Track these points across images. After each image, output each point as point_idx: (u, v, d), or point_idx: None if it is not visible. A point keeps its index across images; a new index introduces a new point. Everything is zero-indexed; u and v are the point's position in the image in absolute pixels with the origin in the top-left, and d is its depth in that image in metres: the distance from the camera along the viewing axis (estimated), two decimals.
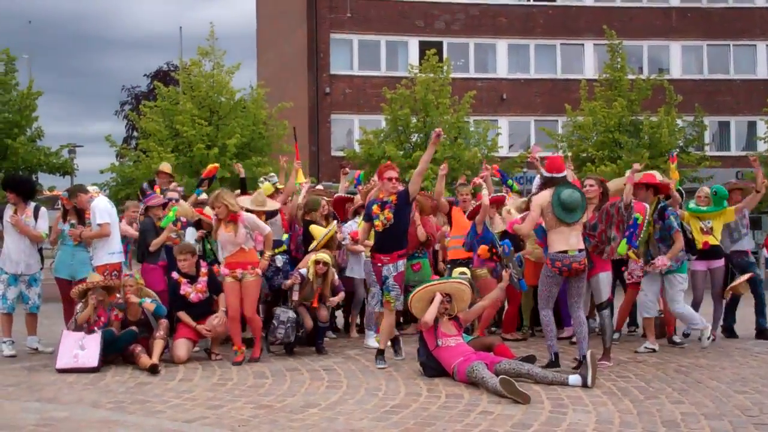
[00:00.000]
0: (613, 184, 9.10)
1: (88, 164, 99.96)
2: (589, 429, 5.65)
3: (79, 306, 8.59)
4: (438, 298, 7.62)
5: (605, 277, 7.97)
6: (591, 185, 8.23)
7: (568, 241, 7.46)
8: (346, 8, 31.82)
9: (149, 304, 8.56)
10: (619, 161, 23.08)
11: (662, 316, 9.48)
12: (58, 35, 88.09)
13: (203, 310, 8.72)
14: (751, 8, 33.79)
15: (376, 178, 8.81)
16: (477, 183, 9.91)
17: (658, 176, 9.09)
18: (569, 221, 7.42)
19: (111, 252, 9.11)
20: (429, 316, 7.54)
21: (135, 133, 40.53)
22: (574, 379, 6.94)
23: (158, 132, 22.01)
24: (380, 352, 8.11)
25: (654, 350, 8.76)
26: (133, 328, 8.48)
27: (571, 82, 30.10)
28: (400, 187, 8.17)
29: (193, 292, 8.63)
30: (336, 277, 9.18)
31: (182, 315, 8.65)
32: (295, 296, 8.92)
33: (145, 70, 62.65)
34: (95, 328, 8.34)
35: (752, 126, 31.68)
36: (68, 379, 7.61)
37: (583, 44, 33.18)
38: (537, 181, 11.48)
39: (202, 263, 8.86)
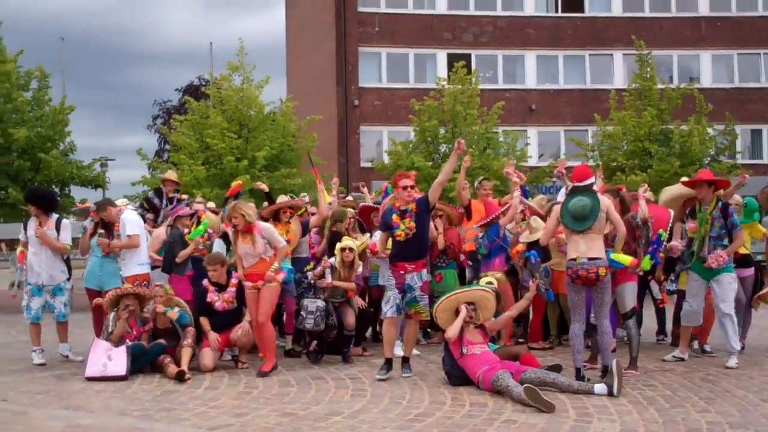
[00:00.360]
0: (667, 194, 9.18)
1: (120, 176, 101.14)
2: None
3: (111, 316, 8.69)
4: (463, 312, 7.65)
5: (630, 287, 7.96)
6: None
7: (578, 248, 7.39)
8: (374, 22, 32.05)
9: (173, 312, 8.66)
10: (649, 170, 22.92)
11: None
12: (90, 50, 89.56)
13: (229, 320, 8.77)
14: None
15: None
16: (507, 173, 9.76)
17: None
18: (578, 229, 7.36)
19: (140, 263, 9.28)
20: (453, 331, 7.56)
21: (167, 146, 41.11)
22: (600, 388, 6.89)
23: (189, 145, 22.27)
24: (405, 360, 8.12)
25: (682, 359, 8.66)
26: (161, 341, 8.58)
27: (600, 92, 30.00)
28: (417, 195, 8.14)
29: (219, 300, 8.70)
30: (360, 269, 9.41)
31: (203, 320, 8.73)
32: (328, 278, 9.14)
33: (176, 84, 63.63)
34: (126, 340, 8.45)
35: None
36: (96, 387, 7.71)
37: (612, 54, 33.09)
38: (563, 192, 11.53)
39: (234, 274, 8.92)
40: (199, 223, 9.79)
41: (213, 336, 8.64)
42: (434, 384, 7.62)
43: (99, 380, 7.99)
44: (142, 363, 8.40)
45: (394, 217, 7.96)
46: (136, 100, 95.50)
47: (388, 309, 7.96)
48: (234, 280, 8.79)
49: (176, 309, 8.75)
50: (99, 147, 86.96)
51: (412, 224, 7.87)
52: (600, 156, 24.96)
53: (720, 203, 8.54)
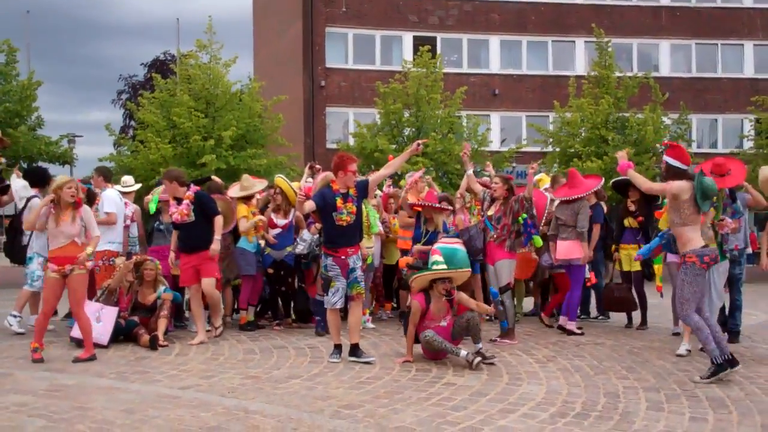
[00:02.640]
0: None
1: (86, 152, 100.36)
2: (538, 398, 6.38)
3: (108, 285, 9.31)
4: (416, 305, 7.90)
5: (507, 264, 8.95)
6: (497, 183, 9.14)
7: (705, 234, 7.59)
8: (341, 3, 32.40)
9: (167, 294, 9.23)
10: (605, 157, 23.76)
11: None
12: (55, 22, 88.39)
13: (196, 239, 9.07)
14: (739, 8, 34.45)
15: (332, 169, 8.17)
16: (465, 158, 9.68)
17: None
18: (705, 210, 7.30)
19: (111, 241, 9.83)
20: (414, 300, 7.96)
21: (132, 122, 41.18)
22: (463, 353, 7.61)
23: (156, 123, 22.60)
24: (355, 347, 7.94)
25: (689, 351, 8.40)
26: (135, 318, 9.18)
27: (561, 79, 30.67)
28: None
29: (175, 212, 9.12)
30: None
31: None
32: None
33: (142, 58, 63.38)
34: (118, 309, 9.07)
35: (738, 124, 32.39)
36: (75, 354, 8.28)
37: (574, 41, 33.75)
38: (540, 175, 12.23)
39: (192, 187, 9.22)
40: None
41: (172, 256, 9.30)
42: (386, 353, 8.35)
43: (80, 347, 8.52)
44: (118, 335, 8.99)
45: (338, 200, 7.77)
46: (101, 74, 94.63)
47: (337, 300, 7.85)
48: (189, 193, 8.99)
49: (165, 289, 9.31)
50: (63, 122, 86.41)
51: (354, 208, 7.82)
52: (558, 142, 25.82)
53: (728, 190, 8.73)
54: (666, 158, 7.38)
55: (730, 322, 9.39)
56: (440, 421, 5.69)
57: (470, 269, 8.37)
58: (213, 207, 9.11)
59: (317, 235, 9.64)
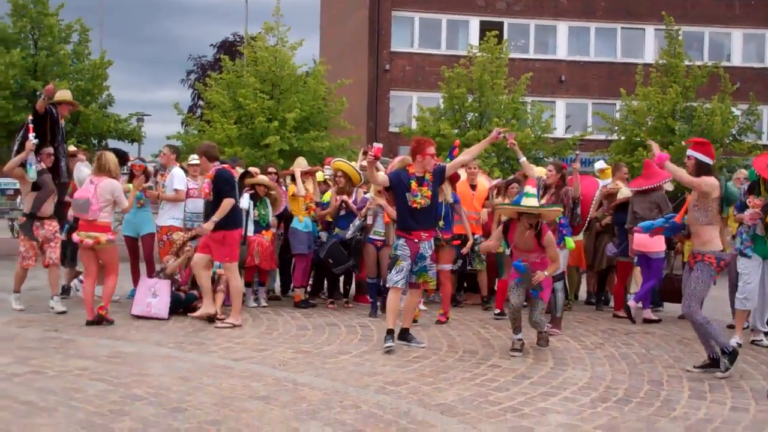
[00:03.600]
0: None
1: (154, 131, 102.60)
2: (581, 383, 6.47)
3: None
4: (495, 236, 8.04)
5: (560, 252, 8.58)
6: (550, 170, 9.10)
7: (723, 237, 7.73)
8: None
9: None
10: (671, 147, 23.37)
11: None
12: (126, 2, 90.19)
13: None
14: None
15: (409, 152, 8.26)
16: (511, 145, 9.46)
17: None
18: (724, 214, 7.45)
19: (175, 217, 10.19)
20: (490, 243, 8.12)
21: (200, 102, 42.00)
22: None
23: (222, 104, 23.03)
24: (405, 331, 7.97)
25: (740, 345, 8.20)
26: (194, 292, 9.53)
27: (629, 66, 30.16)
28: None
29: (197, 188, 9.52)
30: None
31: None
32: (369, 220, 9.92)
33: (211, 39, 64.39)
34: (177, 279, 9.51)
35: None
36: (136, 323, 8.69)
37: (644, 29, 33.20)
38: (601, 164, 12.25)
39: (216, 165, 9.18)
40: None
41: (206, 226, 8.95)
42: (434, 335, 8.51)
43: (142, 318, 8.94)
44: (178, 307, 9.35)
45: (413, 183, 7.70)
46: (171, 54, 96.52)
47: (400, 279, 7.69)
48: (211, 172, 8.95)
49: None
50: (133, 100, 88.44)
51: (429, 193, 7.74)
52: (623, 131, 25.49)
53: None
54: (694, 153, 7.15)
55: None
56: (481, 400, 5.83)
57: (561, 209, 8.24)
58: (226, 189, 8.85)
59: (363, 219, 9.86)
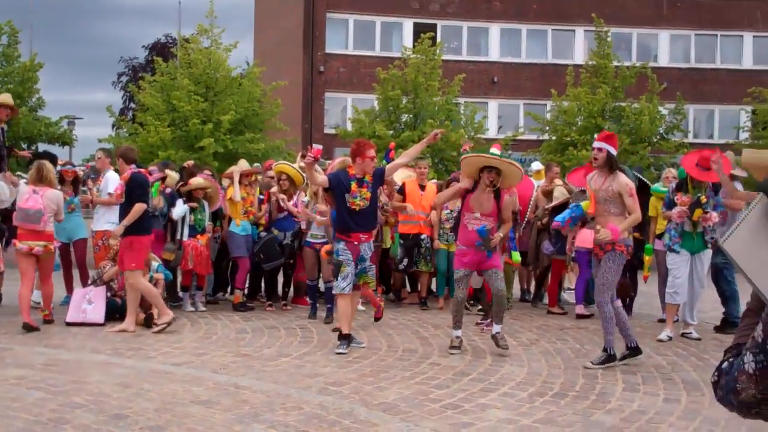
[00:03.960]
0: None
1: (84, 134, 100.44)
2: (518, 378, 6.63)
3: (107, 265, 9.49)
4: (458, 185, 7.95)
5: None
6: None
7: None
8: None
9: (159, 274, 9.45)
10: None
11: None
12: (56, 2, 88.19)
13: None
14: (739, 0, 34.53)
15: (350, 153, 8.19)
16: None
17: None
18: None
19: (110, 222, 10.03)
20: (441, 197, 8.50)
21: (132, 105, 41.34)
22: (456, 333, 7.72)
23: (156, 106, 22.77)
24: (344, 337, 7.72)
25: (670, 338, 8.61)
26: None
27: (560, 68, 30.68)
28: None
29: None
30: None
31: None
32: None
33: (143, 40, 63.15)
34: (111, 285, 9.36)
35: (736, 115, 32.55)
36: (72, 331, 8.56)
37: (574, 30, 33.82)
38: (537, 165, 12.50)
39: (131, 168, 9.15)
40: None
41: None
42: (374, 335, 8.57)
43: (78, 325, 8.79)
44: (114, 313, 9.23)
45: (353, 185, 7.62)
46: (101, 56, 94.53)
47: (345, 285, 7.59)
48: (126, 174, 8.83)
49: (158, 267, 9.53)
50: (62, 102, 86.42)
51: (369, 194, 7.66)
52: (554, 131, 26.01)
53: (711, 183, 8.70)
54: (605, 146, 7.21)
55: (727, 312, 9.40)
56: (422, 398, 5.93)
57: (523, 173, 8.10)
58: (138, 193, 8.70)
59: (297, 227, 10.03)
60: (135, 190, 8.71)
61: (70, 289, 9.90)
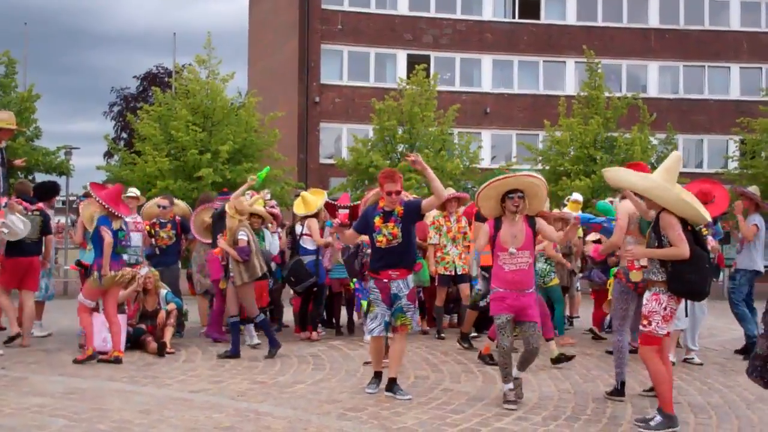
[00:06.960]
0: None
1: (77, 163, 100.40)
2: (531, 403, 6.79)
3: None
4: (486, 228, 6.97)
5: None
6: None
7: None
8: (337, 20, 32.89)
9: (172, 305, 9.67)
10: (593, 176, 24.26)
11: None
12: (45, 31, 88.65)
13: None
14: (726, 31, 35.08)
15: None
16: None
17: None
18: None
19: None
20: (481, 241, 7.08)
21: (123, 135, 41.50)
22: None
23: (153, 136, 22.92)
24: (392, 381, 7.11)
25: (673, 363, 8.44)
26: (142, 326, 9.54)
27: (552, 98, 31.13)
28: (405, 197, 7.65)
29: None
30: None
31: None
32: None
33: (134, 70, 63.71)
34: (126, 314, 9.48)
35: (724, 144, 32.99)
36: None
37: (564, 62, 34.29)
38: (578, 196, 12.65)
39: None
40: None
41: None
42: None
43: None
44: (126, 342, 9.32)
45: (377, 220, 7.13)
46: (92, 85, 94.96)
47: (375, 327, 7.16)
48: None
49: (168, 297, 9.74)
50: (55, 132, 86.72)
51: (396, 230, 7.05)
52: (547, 161, 26.34)
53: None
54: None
55: (746, 334, 9.83)
56: (440, 423, 6.07)
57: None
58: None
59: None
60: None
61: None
